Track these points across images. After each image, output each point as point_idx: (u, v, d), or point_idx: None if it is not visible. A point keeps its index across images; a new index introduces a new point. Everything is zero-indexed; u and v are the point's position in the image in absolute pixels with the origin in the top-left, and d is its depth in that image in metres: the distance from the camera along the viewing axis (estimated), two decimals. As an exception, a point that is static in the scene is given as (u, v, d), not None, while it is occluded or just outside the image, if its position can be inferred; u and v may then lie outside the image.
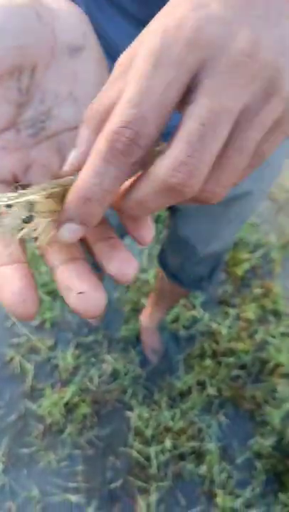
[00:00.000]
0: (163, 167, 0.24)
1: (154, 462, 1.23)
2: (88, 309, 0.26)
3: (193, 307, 1.58)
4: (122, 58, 0.27)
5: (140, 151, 0.24)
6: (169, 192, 0.24)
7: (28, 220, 0.27)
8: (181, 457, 1.26)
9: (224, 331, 1.49)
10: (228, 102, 0.22)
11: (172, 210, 0.95)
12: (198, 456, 1.26)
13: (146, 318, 1.48)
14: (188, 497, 1.21)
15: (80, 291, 0.27)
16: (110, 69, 0.33)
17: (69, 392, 1.32)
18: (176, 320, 1.55)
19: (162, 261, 1.15)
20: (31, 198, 0.27)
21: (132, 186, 0.26)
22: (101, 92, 0.28)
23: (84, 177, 0.25)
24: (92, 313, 0.26)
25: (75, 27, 0.34)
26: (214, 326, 1.51)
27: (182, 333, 1.52)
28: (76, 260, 0.29)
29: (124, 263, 0.29)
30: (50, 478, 1.20)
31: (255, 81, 0.23)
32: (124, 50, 0.29)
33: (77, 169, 0.28)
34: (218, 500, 1.19)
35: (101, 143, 0.24)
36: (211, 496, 1.21)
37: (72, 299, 0.27)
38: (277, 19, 0.24)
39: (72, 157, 0.28)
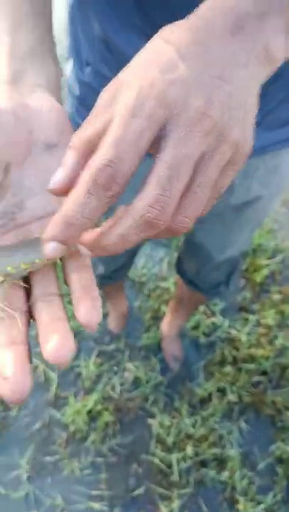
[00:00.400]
0: (140, 205, 0.28)
1: (176, 469, 1.25)
2: (11, 394, 0.27)
3: (213, 314, 1.59)
4: (106, 93, 0.31)
5: (117, 187, 0.28)
6: (146, 225, 0.28)
7: None
8: (203, 464, 1.27)
9: (244, 337, 1.50)
10: (189, 151, 0.27)
11: None
12: (220, 462, 1.27)
13: (166, 326, 1.50)
14: (210, 504, 1.22)
15: (5, 377, 0.28)
16: None
17: (92, 401, 1.35)
18: (196, 327, 1.56)
19: (180, 268, 1.17)
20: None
21: (114, 224, 0.29)
22: (87, 122, 0.31)
23: (69, 206, 0.28)
24: (16, 398, 0.28)
25: (52, 126, 0.37)
26: (234, 332, 1.52)
27: (202, 340, 1.53)
28: (16, 344, 0.31)
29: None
30: (73, 486, 1.23)
31: (209, 133, 0.27)
32: None
33: (60, 191, 0.31)
34: (240, 506, 1.20)
35: (85, 177, 0.28)
36: (232, 503, 1.21)
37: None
38: (231, 75, 0.28)
39: (58, 177, 0.31)
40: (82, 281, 0.34)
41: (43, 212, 0.37)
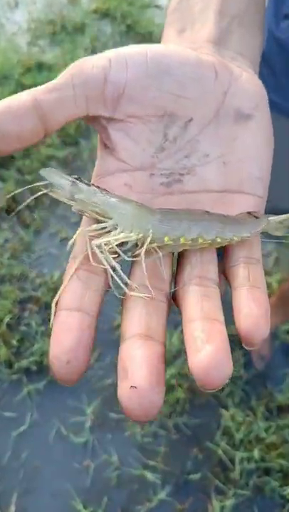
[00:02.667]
0: None
1: (238, 467, 1.18)
2: (138, 410, 0.22)
3: (313, 323, 1.48)
4: None
5: None
6: None
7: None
8: (267, 472, 1.19)
9: None
10: None
11: None
12: (286, 476, 1.18)
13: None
14: (265, 514, 1.14)
15: (133, 385, 0.22)
16: None
17: (168, 373, 1.31)
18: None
19: None
20: None
21: None
22: None
23: None
24: (143, 415, 0.22)
25: (249, 96, 0.33)
26: None
27: (295, 346, 1.43)
28: (152, 340, 0.25)
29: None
30: (131, 449, 1.20)
31: None
32: None
33: None
34: (297, 528, 1.11)
35: None
36: (289, 522, 1.13)
37: (123, 391, 0.22)
38: None
39: None
40: (252, 280, 0.28)
41: (216, 185, 0.32)
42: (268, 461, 1.20)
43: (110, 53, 0.29)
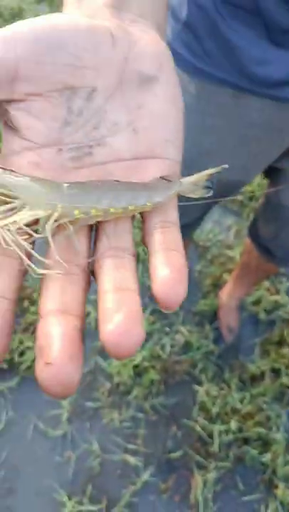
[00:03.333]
0: None
1: (217, 441, 1.20)
2: (55, 386, 0.21)
3: (277, 292, 1.50)
4: None
5: None
6: None
7: None
8: (246, 441, 1.22)
9: (308, 321, 1.41)
10: None
11: (274, 176, 0.90)
12: (264, 443, 1.21)
13: (226, 295, 1.43)
14: (247, 483, 1.17)
15: (48, 362, 0.21)
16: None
17: (140, 356, 1.31)
18: (257, 302, 1.49)
19: (253, 232, 1.09)
20: None
21: None
22: None
23: None
24: (60, 392, 0.21)
25: (151, 57, 0.32)
26: (298, 314, 1.43)
27: (262, 316, 1.45)
28: (68, 315, 0.24)
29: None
30: (111, 435, 1.21)
31: None
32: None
33: None
34: (278, 492, 1.14)
35: None
36: (270, 487, 1.16)
37: (39, 368, 0.21)
38: None
39: None
40: (167, 243, 0.27)
41: (128, 154, 0.31)
42: (245, 431, 1.23)
43: (2, 31, 0.28)
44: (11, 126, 0.29)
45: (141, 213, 0.30)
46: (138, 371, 1.31)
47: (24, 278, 0.26)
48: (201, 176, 0.32)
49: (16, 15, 2.47)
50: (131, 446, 1.19)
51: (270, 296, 1.49)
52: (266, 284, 1.51)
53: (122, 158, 0.31)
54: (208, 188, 0.33)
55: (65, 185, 0.28)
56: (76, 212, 0.27)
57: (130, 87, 0.31)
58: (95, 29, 0.30)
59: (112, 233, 0.29)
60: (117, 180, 0.29)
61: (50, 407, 1.23)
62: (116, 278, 0.25)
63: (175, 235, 0.28)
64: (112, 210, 0.28)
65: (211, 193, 0.33)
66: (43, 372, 0.21)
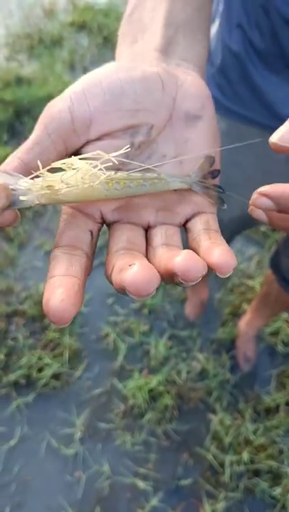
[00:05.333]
0: None
1: (228, 471, 1.19)
2: (141, 283, 0.25)
3: (297, 324, 1.50)
4: None
5: None
6: None
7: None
8: (257, 473, 1.21)
9: None
10: None
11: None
12: (275, 477, 1.20)
13: (244, 324, 1.44)
14: (256, 516, 1.15)
15: (132, 263, 0.27)
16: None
17: (155, 380, 1.32)
18: (275, 333, 1.48)
19: (275, 263, 1.10)
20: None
21: None
22: None
23: None
24: (145, 288, 0.25)
25: (196, 98, 0.37)
26: (316, 348, 1.43)
27: (280, 348, 1.45)
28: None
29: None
30: (122, 458, 1.21)
31: None
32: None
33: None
34: (288, 528, 1.12)
35: None
36: (280, 522, 1.14)
37: (128, 273, 0.26)
38: None
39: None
40: (214, 239, 0.32)
41: None
42: (257, 462, 1.22)
43: (70, 92, 0.33)
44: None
45: (185, 225, 0.35)
46: (153, 395, 1.31)
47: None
48: (201, 164, 0.36)
49: (57, 42, 2.58)
50: (141, 470, 1.19)
51: (288, 328, 1.48)
52: (285, 315, 1.51)
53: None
54: (219, 188, 0.37)
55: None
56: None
57: (178, 123, 0.36)
58: (147, 76, 0.35)
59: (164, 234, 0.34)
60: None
61: (64, 425, 1.25)
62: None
63: (219, 237, 0.33)
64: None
65: (225, 206, 0.37)
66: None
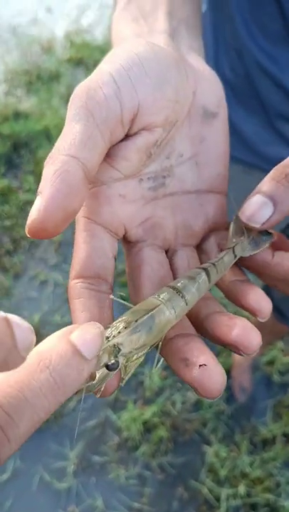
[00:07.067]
0: None
1: (224, 505, 1.17)
2: (211, 384, 0.25)
3: (292, 354, 1.50)
4: None
5: None
6: None
7: (113, 367, 0.25)
8: (254, 507, 1.18)
9: None
10: None
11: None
12: (272, 510, 1.17)
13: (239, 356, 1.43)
14: None
15: (203, 363, 0.25)
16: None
17: (150, 411, 1.31)
18: (271, 363, 1.48)
19: (267, 293, 1.11)
20: (117, 341, 0.25)
21: None
22: None
23: None
24: (214, 389, 0.25)
25: (213, 93, 0.34)
26: (311, 378, 1.42)
27: (276, 378, 1.44)
28: (190, 335, 0.28)
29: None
30: (116, 492, 1.19)
31: None
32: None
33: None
34: None
35: None
36: None
37: (195, 372, 0.25)
38: None
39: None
40: (239, 277, 0.32)
41: (192, 186, 0.34)
42: (253, 496, 1.19)
43: (111, 72, 0.28)
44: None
45: (200, 244, 0.35)
46: (148, 427, 1.30)
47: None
48: (233, 229, 0.33)
49: (54, 77, 2.65)
50: (136, 505, 1.17)
51: (283, 358, 1.48)
52: (280, 344, 1.51)
53: (187, 191, 0.34)
54: (268, 235, 0.33)
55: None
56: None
57: (195, 120, 0.33)
58: (178, 62, 0.31)
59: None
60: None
61: (58, 459, 1.23)
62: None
63: (239, 270, 0.33)
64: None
65: (272, 238, 0.34)
66: None
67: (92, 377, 0.25)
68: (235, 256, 0.32)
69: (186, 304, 0.28)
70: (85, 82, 0.28)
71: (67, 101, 0.32)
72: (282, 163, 0.30)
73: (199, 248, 0.35)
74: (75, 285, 0.29)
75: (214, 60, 0.67)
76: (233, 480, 1.22)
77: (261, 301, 0.29)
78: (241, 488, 1.19)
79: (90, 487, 1.19)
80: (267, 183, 0.29)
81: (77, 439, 1.27)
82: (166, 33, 0.35)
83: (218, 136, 0.34)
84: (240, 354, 0.27)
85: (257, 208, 0.29)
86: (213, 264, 0.30)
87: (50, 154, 0.26)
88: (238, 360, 1.43)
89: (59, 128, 2.09)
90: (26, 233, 0.24)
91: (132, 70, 0.29)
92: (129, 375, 0.27)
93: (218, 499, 1.19)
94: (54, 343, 0.22)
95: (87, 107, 0.27)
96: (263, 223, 0.29)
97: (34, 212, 0.24)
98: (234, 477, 1.23)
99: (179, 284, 0.29)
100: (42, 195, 0.24)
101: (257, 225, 0.29)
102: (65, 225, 0.24)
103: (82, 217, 0.30)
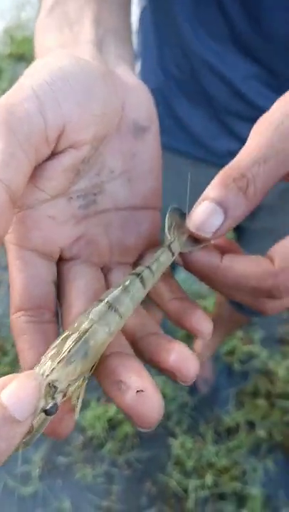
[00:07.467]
0: None
1: (193, 496, 1.17)
2: (148, 413, 0.22)
3: (251, 342, 1.52)
4: None
5: None
6: None
7: (52, 411, 0.22)
8: (221, 497, 1.19)
9: (282, 371, 1.42)
10: None
11: (238, 232, 0.93)
12: (240, 498, 1.19)
13: (200, 346, 1.44)
14: None
15: (140, 389, 0.23)
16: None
17: (114, 408, 1.29)
18: (231, 352, 1.50)
19: None
20: (51, 378, 0.23)
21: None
22: None
23: None
24: (151, 418, 0.22)
25: (144, 106, 0.33)
26: (271, 364, 1.45)
27: (236, 367, 1.46)
28: (126, 355, 0.26)
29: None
30: (84, 492, 1.17)
31: None
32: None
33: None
34: None
35: None
36: None
37: (130, 398, 0.23)
38: None
39: None
40: (177, 294, 0.30)
41: (125, 203, 0.32)
42: (221, 485, 1.20)
43: (33, 86, 0.26)
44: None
45: (136, 262, 0.33)
46: (112, 424, 1.28)
47: None
48: (169, 220, 0.32)
49: (-4, 73, 2.56)
50: (105, 503, 1.15)
51: (244, 346, 1.50)
52: (240, 333, 1.53)
53: (120, 207, 0.32)
54: None
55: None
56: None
57: (126, 134, 0.32)
58: (106, 74, 0.30)
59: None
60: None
61: (21, 463, 1.19)
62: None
63: (177, 286, 0.32)
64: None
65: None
66: None
67: (28, 430, 0.21)
68: (173, 254, 0.30)
69: (121, 318, 0.26)
70: (4, 98, 0.26)
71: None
72: (228, 165, 0.28)
73: (135, 265, 0.33)
74: (17, 320, 0.27)
75: (158, 57, 0.66)
76: (200, 470, 1.23)
77: (202, 322, 0.28)
78: (208, 478, 1.20)
79: (56, 489, 1.16)
80: (215, 188, 0.27)
81: (41, 442, 1.24)
82: (92, 43, 0.33)
83: (150, 151, 0.33)
84: (176, 381, 0.25)
85: (206, 217, 0.27)
86: (148, 268, 0.28)
87: None
88: (198, 352, 1.43)
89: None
90: None
91: (56, 84, 0.27)
92: (80, 403, 0.25)
93: (186, 491, 1.19)
94: None
95: (8, 124, 0.24)
96: (214, 232, 0.27)
97: None
98: (201, 467, 1.23)
99: (109, 297, 0.26)
100: None
101: (208, 234, 0.27)
102: None
103: (13, 245, 0.28)
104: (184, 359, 0.24)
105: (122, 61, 0.34)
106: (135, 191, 0.33)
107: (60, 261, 0.31)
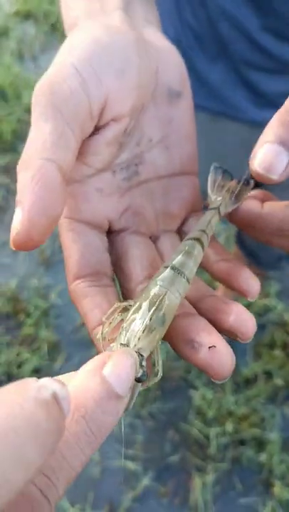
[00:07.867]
0: None
1: (214, 443, 1.23)
2: (221, 366, 0.24)
3: (267, 296, 1.54)
4: None
5: None
6: None
7: (143, 378, 0.23)
8: (242, 442, 1.25)
9: (298, 322, 1.45)
10: None
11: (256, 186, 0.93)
12: (259, 443, 1.24)
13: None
14: (245, 483, 1.19)
15: (212, 345, 0.24)
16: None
17: (135, 364, 1.34)
18: (248, 306, 1.52)
19: (240, 239, 1.13)
20: (138, 347, 0.24)
21: None
22: None
23: None
24: (225, 371, 0.24)
25: (176, 70, 0.32)
26: (287, 317, 1.47)
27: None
28: (193, 315, 0.27)
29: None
30: (110, 443, 1.23)
31: None
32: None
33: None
34: (276, 490, 1.17)
35: None
36: (268, 486, 1.19)
37: (203, 354, 0.24)
38: None
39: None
40: (223, 255, 0.32)
41: (165, 171, 0.33)
42: (240, 432, 1.25)
43: (74, 63, 0.27)
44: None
45: (180, 228, 0.34)
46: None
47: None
48: (213, 178, 0.33)
49: (3, 33, 2.51)
50: (130, 452, 1.22)
51: (260, 300, 1.52)
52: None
53: (160, 176, 0.33)
54: (247, 185, 0.33)
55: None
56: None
57: (161, 101, 0.32)
58: (139, 45, 0.30)
59: None
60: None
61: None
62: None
63: (221, 247, 0.33)
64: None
65: (252, 186, 0.33)
66: None
67: None
68: (220, 214, 0.31)
69: (188, 281, 0.27)
70: (46, 77, 0.26)
71: (18, 56, 0.30)
72: (284, 107, 0.27)
73: (180, 231, 0.35)
74: (77, 286, 0.28)
75: (176, 7, 0.66)
76: (221, 419, 1.28)
77: (250, 282, 0.29)
78: (229, 426, 1.25)
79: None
80: (274, 130, 0.26)
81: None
82: (120, 8, 0.33)
83: (185, 116, 0.33)
84: (236, 340, 0.27)
85: (273, 158, 0.26)
86: (203, 231, 0.30)
87: (21, 159, 0.24)
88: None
89: (13, 86, 2.00)
90: (11, 246, 0.23)
91: (94, 59, 0.27)
92: (160, 365, 0.26)
93: (207, 438, 1.24)
94: (86, 383, 0.20)
95: (54, 104, 0.25)
96: (281, 173, 0.26)
97: (17, 225, 0.23)
98: (221, 416, 1.28)
99: (175, 262, 0.27)
100: (22, 206, 0.23)
101: (275, 176, 0.26)
102: (51, 232, 0.23)
103: (64, 218, 0.30)
104: (243, 320, 0.27)
105: (151, 24, 0.34)
106: (173, 158, 0.33)
107: (111, 233, 0.32)
